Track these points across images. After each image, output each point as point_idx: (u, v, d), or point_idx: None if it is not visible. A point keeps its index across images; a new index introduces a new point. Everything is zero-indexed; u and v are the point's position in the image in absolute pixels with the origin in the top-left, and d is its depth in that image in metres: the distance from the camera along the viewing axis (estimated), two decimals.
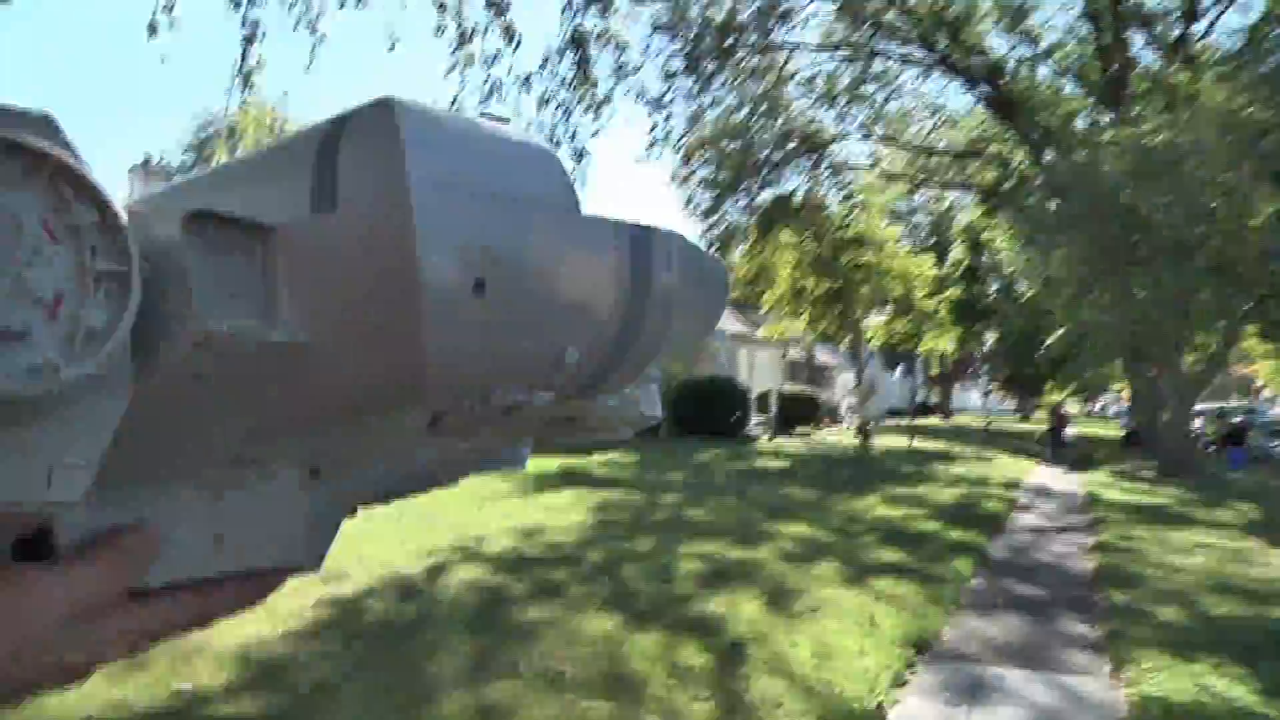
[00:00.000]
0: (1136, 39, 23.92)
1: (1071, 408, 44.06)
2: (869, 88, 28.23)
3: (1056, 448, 27.59)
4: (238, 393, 0.43)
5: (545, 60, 12.23)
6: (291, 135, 0.44)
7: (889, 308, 36.15)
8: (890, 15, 24.22)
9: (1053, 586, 8.80)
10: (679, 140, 27.48)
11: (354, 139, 0.39)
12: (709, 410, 27.05)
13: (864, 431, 29.99)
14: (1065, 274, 20.04)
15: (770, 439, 29.52)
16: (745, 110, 26.57)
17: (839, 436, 32.99)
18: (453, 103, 12.09)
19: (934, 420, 53.90)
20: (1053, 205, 20.49)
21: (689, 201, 29.54)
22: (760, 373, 35.61)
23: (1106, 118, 22.95)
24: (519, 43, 12.13)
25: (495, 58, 12.06)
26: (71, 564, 0.44)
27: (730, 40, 23.00)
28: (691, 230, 27.32)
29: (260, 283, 0.39)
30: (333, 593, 7.16)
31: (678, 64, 23.86)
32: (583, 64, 11.70)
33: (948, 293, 37.24)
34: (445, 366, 0.41)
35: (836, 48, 26.15)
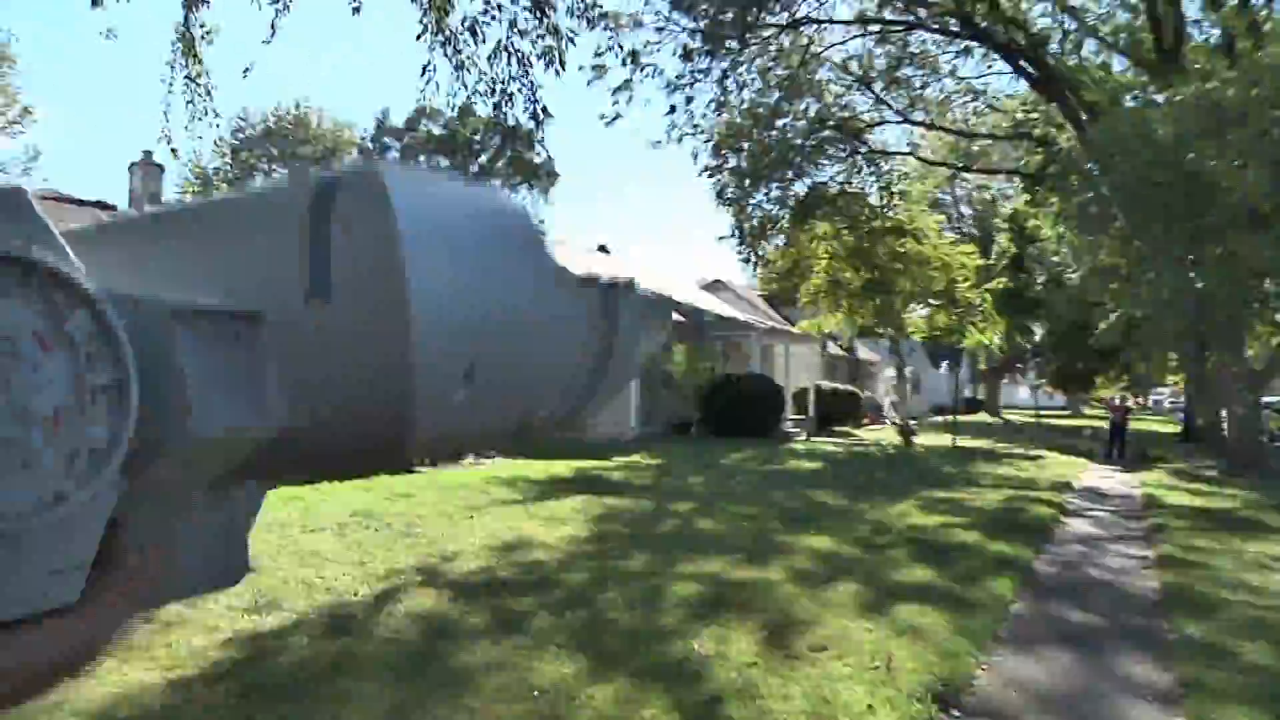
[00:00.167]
0: (1191, 7, 22.39)
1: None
2: (907, 70, 26.90)
3: (1116, 445, 25.85)
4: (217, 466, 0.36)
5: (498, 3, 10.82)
6: (272, 187, 0.37)
7: (931, 300, 34.63)
8: None
9: (1110, 612, 7.46)
10: (706, 129, 26.24)
11: (346, 219, 0.37)
12: (742, 409, 25.88)
13: (905, 430, 28.68)
14: (1117, 255, 18.53)
15: (807, 438, 28.25)
16: (775, 95, 25.20)
17: (880, 435, 31.61)
18: (423, 72, 10.94)
19: (980, 417, 52.28)
20: (1100, 181, 18.81)
21: (720, 193, 28.23)
22: (797, 369, 34.27)
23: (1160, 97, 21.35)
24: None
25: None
26: None
27: (754, 14, 21.67)
28: (723, 222, 26.23)
29: (253, 373, 0.36)
30: (253, 626, 6.08)
31: (696, 43, 22.57)
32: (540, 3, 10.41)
33: (992, 284, 35.62)
34: (430, 443, 0.40)
35: (868, 23, 24.77)
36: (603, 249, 40.67)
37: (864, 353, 49.22)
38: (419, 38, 10.79)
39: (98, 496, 0.28)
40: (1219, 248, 15.79)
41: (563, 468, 15.52)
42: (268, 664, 5.36)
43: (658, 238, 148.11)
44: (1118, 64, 24.57)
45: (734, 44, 22.75)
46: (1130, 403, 32.05)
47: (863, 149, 28.39)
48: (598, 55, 23.32)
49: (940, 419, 43.39)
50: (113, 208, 17.37)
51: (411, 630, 6.02)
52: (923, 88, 27.60)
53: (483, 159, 74.80)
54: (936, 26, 24.29)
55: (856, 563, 8.60)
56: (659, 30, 22.52)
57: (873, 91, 27.11)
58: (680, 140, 25.48)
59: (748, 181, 27.23)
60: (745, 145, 26.53)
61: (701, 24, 21.92)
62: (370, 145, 67.95)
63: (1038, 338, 48.25)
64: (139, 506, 0.31)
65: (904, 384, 32.50)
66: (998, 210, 43.04)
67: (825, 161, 28.04)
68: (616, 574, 7.75)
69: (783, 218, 29.17)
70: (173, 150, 11.43)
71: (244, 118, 68.19)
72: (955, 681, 5.44)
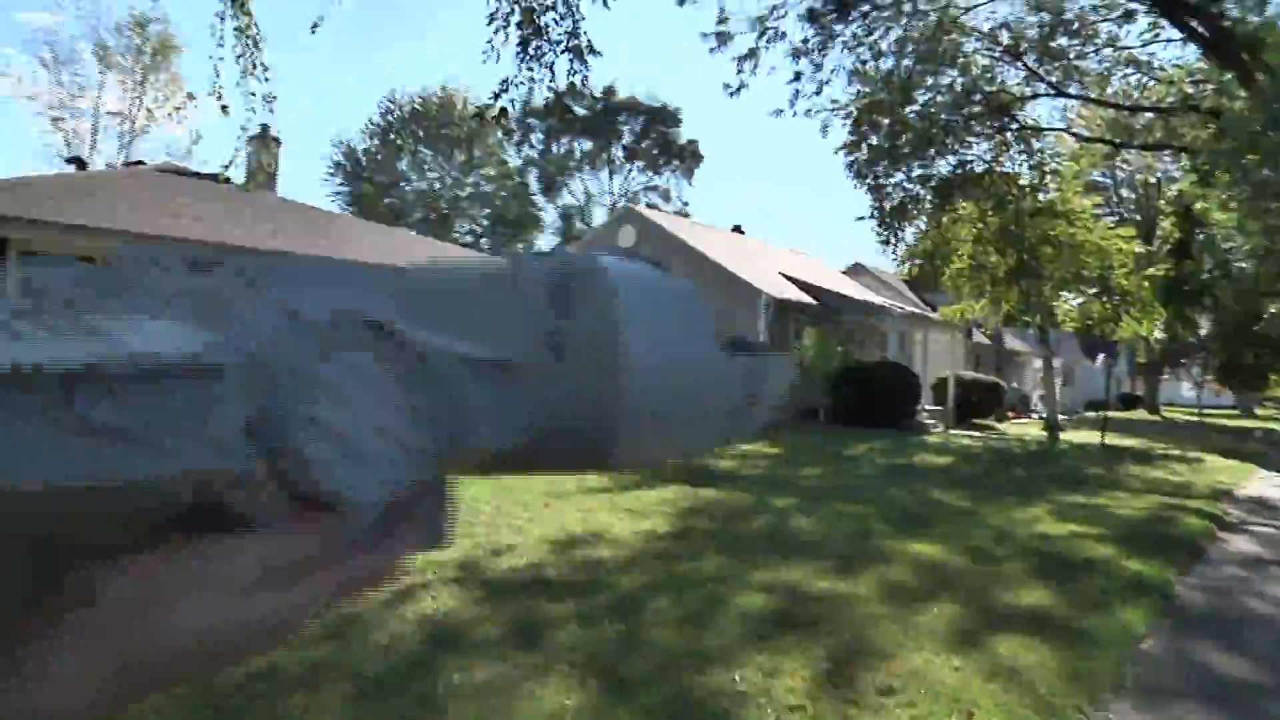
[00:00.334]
0: None
1: None
2: (1061, 40, 24.95)
3: None
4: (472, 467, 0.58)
5: None
6: (511, 265, 0.60)
7: (1085, 288, 32.46)
8: None
9: (1270, 658, 6.22)
10: (843, 102, 24.90)
11: (580, 301, 0.56)
12: (874, 397, 24.65)
13: (1052, 425, 26.89)
14: None
15: (944, 430, 26.76)
16: (913, 64, 23.63)
17: (1025, 430, 29.78)
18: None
19: (1137, 414, 49.37)
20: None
21: (858, 172, 26.84)
22: (937, 358, 32.62)
23: None
24: None
25: None
26: (262, 530, 0.47)
27: None
28: (861, 201, 25.07)
29: (509, 404, 0.55)
30: None
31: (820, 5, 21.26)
32: None
33: (1152, 270, 33.19)
34: (622, 464, 0.61)
35: None
36: (738, 229, 39.72)
37: (1012, 343, 46.91)
38: None
39: (425, 482, 0.52)
40: None
41: None
42: (241, 670, 4.69)
43: (799, 215, 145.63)
44: None
45: (865, 5, 21.35)
46: None
47: (1013, 126, 26.57)
48: (721, 22, 22.24)
49: (1093, 415, 40.94)
50: (227, 181, 17.34)
51: (412, 638, 5.28)
52: (1079, 59, 25.61)
53: (626, 140, 74.66)
54: None
55: (963, 577, 7.50)
56: None
57: (1024, 64, 25.29)
58: (809, 113, 24.16)
59: (886, 161, 25.81)
60: (885, 121, 25.08)
61: None
62: (514, 127, 68.32)
63: (1203, 331, 45.11)
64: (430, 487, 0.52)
65: (1051, 376, 30.46)
66: (1163, 192, 40.16)
67: (972, 139, 26.36)
68: (680, 579, 6.88)
69: (925, 198, 27.62)
70: (223, 107, 11.06)
71: (391, 99, 69.66)
72: None
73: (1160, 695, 5.20)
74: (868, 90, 24.33)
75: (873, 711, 4.49)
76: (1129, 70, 26.58)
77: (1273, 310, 21.41)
